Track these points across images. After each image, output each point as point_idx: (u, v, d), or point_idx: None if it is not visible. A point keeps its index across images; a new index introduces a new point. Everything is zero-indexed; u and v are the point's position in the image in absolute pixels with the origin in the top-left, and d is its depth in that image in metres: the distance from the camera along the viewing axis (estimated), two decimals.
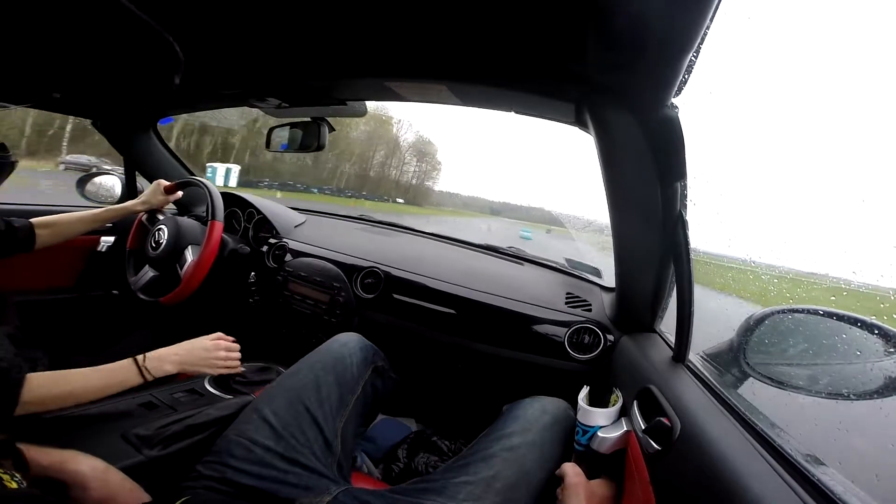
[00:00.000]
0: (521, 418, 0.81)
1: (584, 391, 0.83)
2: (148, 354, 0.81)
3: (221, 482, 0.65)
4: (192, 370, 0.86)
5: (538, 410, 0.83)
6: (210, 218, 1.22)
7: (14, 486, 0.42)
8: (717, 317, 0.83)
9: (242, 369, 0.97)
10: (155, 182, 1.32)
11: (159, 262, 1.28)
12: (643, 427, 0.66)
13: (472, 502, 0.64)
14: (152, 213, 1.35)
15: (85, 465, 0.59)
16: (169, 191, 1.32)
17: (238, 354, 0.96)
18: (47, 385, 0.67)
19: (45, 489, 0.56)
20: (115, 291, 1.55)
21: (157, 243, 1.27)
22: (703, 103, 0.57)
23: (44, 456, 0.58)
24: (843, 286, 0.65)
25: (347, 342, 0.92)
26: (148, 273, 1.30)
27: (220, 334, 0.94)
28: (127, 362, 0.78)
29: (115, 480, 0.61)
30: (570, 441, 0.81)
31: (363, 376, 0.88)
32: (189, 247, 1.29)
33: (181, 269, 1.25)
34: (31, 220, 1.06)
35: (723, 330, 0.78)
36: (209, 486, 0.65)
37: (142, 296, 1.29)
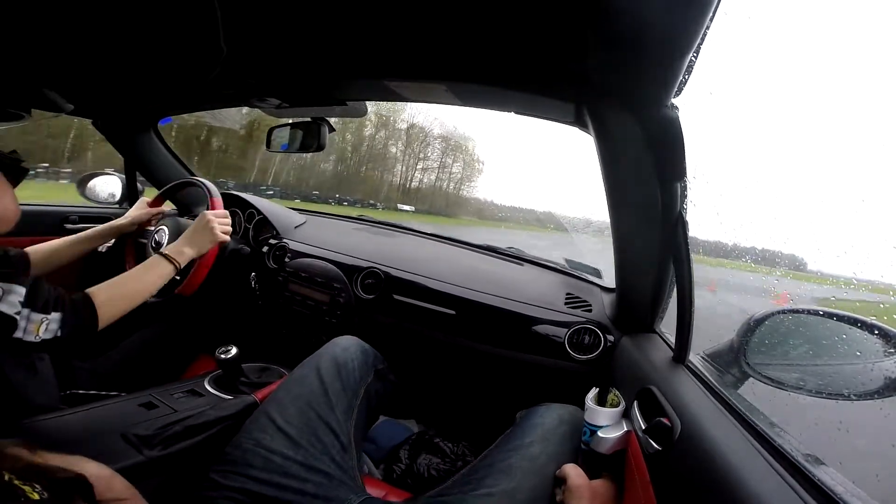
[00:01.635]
0: (539, 427, 0.79)
1: (594, 392, 0.83)
2: (167, 249, 0.93)
3: (241, 492, 0.65)
4: (206, 249, 1.02)
5: (556, 419, 0.81)
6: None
7: (36, 497, 0.42)
8: None
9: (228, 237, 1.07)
10: (140, 199, 1.35)
11: None
12: (643, 427, 0.66)
13: None
14: (141, 228, 1.36)
15: (90, 471, 0.59)
16: (153, 205, 1.34)
17: (228, 219, 1.09)
18: (110, 298, 0.78)
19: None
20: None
21: (158, 243, 1.27)
22: (703, 103, 0.57)
23: (47, 460, 0.58)
24: (843, 287, 0.65)
25: (348, 346, 0.92)
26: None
27: (205, 213, 1.06)
28: (156, 258, 0.90)
29: (119, 488, 0.60)
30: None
31: (365, 380, 0.88)
32: None
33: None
34: (26, 249, 1.04)
35: None
36: (229, 496, 0.65)
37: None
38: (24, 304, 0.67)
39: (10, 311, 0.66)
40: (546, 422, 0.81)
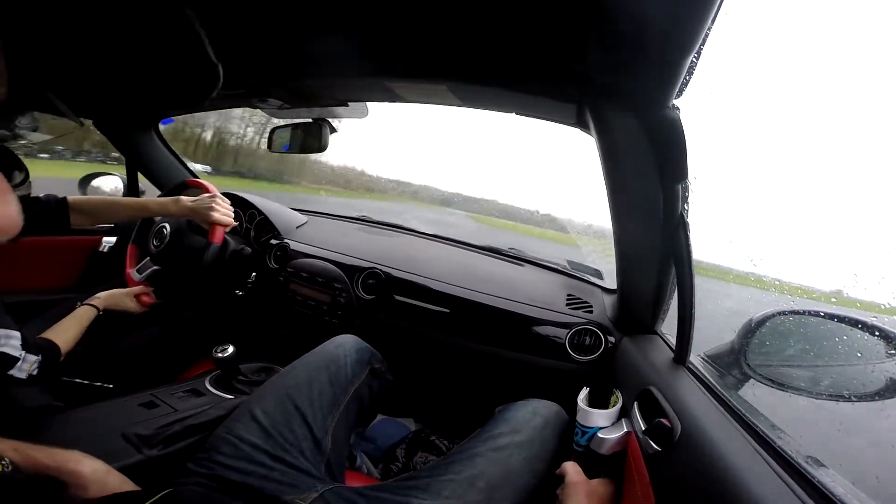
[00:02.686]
0: (511, 420, 0.81)
1: (584, 392, 0.83)
2: (95, 300, 1.07)
3: (209, 478, 0.66)
4: (117, 308, 1.14)
5: (529, 412, 0.84)
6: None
7: (0, 469, 0.42)
8: None
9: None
10: (214, 196, 1.15)
11: (161, 257, 1.28)
12: (643, 428, 0.66)
13: (455, 500, 0.65)
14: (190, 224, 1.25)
15: (86, 467, 0.59)
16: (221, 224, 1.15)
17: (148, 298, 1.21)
18: (63, 340, 0.92)
19: (45, 487, 0.56)
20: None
21: (159, 243, 1.27)
22: (704, 104, 0.57)
23: (45, 455, 0.58)
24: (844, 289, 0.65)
25: (343, 343, 0.93)
26: (150, 266, 1.30)
27: (141, 288, 1.20)
28: (84, 307, 1.04)
29: (115, 483, 0.61)
30: (563, 443, 0.82)
31: (358, 377, 0.89)
32: None
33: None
34: (69, 198, 1.02)
35: None
36: (197, 481, 0.66)
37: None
38: (22, 347, 0.79)
39: (14, 353, 0.78)
40: (518, 415, 0.82)
